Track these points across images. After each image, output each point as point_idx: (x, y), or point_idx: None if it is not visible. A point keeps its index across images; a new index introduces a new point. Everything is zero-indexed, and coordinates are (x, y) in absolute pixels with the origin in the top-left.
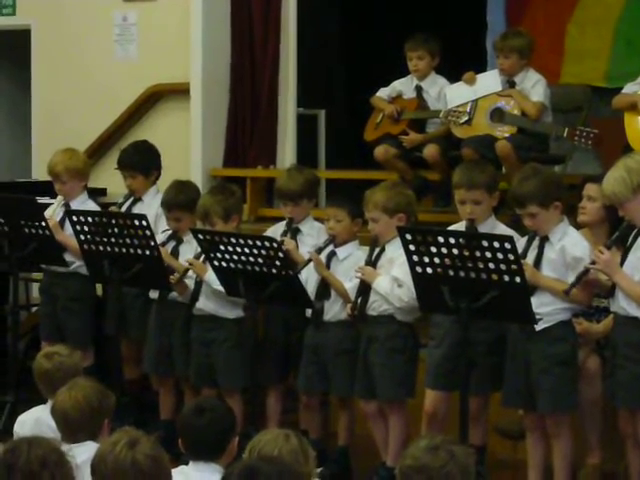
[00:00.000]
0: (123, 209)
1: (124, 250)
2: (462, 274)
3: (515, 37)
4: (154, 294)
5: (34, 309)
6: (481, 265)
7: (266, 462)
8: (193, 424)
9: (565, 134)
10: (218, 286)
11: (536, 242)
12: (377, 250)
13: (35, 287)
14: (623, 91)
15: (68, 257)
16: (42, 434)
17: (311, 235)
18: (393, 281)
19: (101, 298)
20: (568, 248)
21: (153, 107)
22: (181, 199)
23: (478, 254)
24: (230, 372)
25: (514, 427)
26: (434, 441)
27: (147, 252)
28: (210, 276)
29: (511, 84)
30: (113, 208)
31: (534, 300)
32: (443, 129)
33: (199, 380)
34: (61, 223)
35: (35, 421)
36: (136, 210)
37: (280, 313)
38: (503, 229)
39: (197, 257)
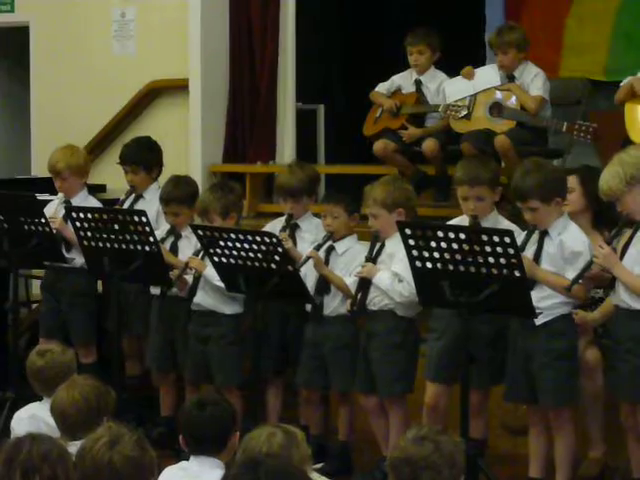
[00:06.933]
0: (125, 206)
1: (124, 246)
2: (462, 268)
3: (510, 32)
4: (155, 290)
5: (34, 306)
6: (481, 259)
7: (269, 457)
8: (195, 418)
9: (564, 128)
10: (218, 282)
11: (535, 236)
12: (378, 245)
13: (35, 284)
14: (622, 85)
15: (73, 254)
16: (38, 430)
17: (310, 231)
18: (394, 276)
19: (101, 294)
20: (567, 242)
21: (152, 103)
22: (178, 194)
23: (477, 248)
24: (226, 369)
25: (520, 423)
26: (421, 432)
27: (147, 248)
28: (210, 272)
29: (510, 78)
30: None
31: (534, 294)
32: (442, 123)
33: (195, 376)
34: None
35: (30, 418)
36: (138, 207)
37: (277, 307)
38: (506, 224)
39: (197, 253)
